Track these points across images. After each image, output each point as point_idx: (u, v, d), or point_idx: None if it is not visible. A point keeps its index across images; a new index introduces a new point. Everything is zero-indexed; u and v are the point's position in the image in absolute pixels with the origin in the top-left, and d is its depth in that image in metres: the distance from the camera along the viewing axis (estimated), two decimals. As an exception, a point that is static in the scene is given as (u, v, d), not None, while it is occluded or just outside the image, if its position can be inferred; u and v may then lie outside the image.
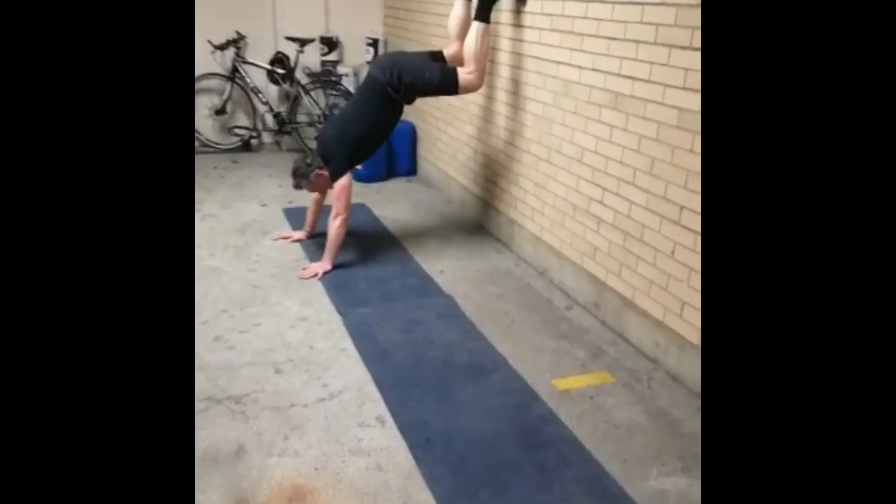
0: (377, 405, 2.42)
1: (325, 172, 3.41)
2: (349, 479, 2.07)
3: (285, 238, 3.87)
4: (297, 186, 3.56)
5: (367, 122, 3.43)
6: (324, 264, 3.47)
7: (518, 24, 3.54)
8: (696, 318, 2.52)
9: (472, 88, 3.53)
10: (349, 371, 2.63)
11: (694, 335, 2.54)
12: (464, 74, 3.43)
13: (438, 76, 3.43)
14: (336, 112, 3.63)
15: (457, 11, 3.62)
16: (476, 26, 3.39)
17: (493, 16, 3.48)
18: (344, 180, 3.42)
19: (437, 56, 3.59)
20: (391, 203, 4.62)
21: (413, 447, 2.19)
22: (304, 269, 3.48)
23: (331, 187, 3.46)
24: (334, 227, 3.43)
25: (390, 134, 3.65)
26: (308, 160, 3.47)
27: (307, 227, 3.87)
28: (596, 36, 2.92)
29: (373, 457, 2.16)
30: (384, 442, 2.23)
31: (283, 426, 2.29)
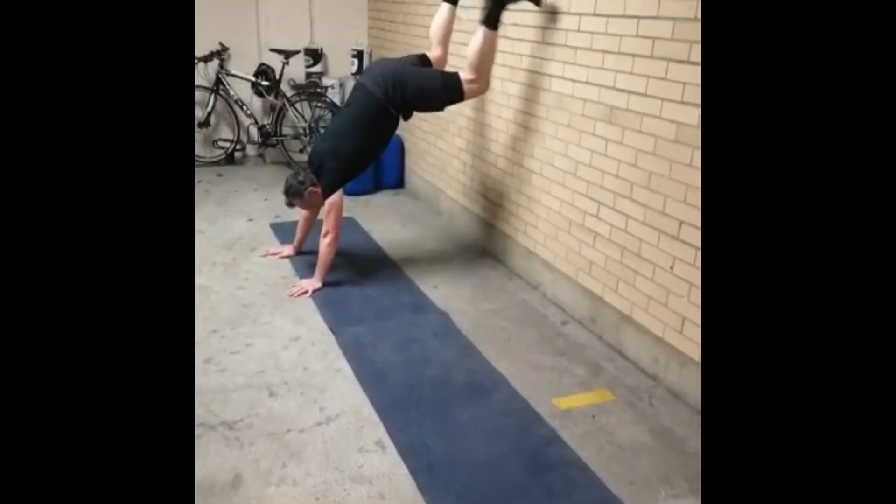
0: (376, 429, 2.36)
1: (319, 189, 3.31)
2: (351, 508, 2.01)
3: (274, 254, 3.77)
4: (290, 205, 3.44)
5: (361, 137, 3.31)
6: (314, 282, 3.40)
7: (509, 37, 3.51)
8: (696, 334, 2.49)
9: (477, 94, 3.40)
10: (345, 393, 2.57)
11: (694, 351, 2.51)
12: (466, 83, 3.25)
13: (442, 90, 3.27)
14: (328, 125, 3.48)
15: (441, 16, 3.52)
16: (482, 33, 3.16)
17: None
18: (335, 197, 3.32)
19: (425, 61, 3.50)
20: (380, 217, 4.57)
21: (415, 473, 2.13)
22: (294, 286, 3.40)
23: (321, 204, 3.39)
24: (324, 245, 3.35)
25: (385, 148, 3.53)
26: (300, 177, 3.33)
27: (296, 243, 3.77)
28: (590, 49, 2.90)
29: (374, 484, 2.10)
30: (385, 468, 2.17)
31: (280, 453, 2.22)
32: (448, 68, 3.47)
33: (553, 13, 3.11)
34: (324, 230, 3.34)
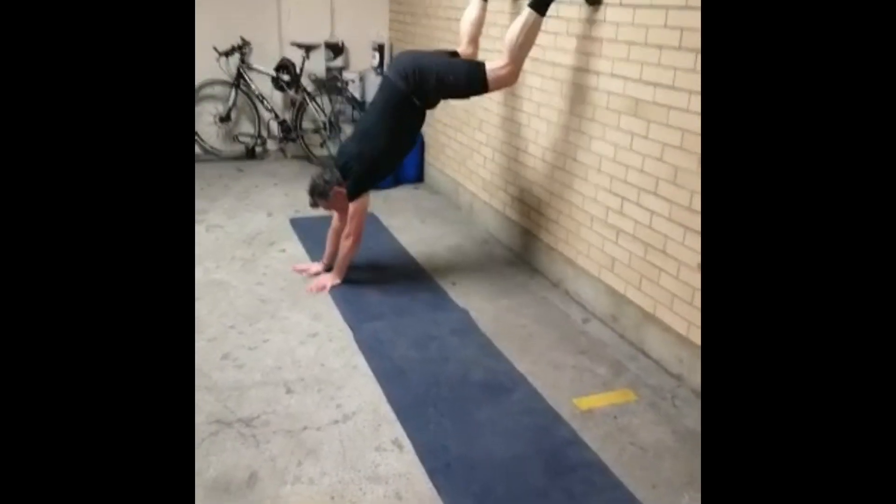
0: (393, 427, 2.32)
1: (345, 189, 3.20)
2: (367, 508, 1.97)
3: (302, 271, 3.54)
4: (315, 205, 3.31)
5: (388, 135, 3.17)
6: (333, 278, 3.36)
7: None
8: (723, 333, 2.42)
9: (504, 85, 3.20)
10: (363, 390, 2.53)
11: (721, 351, 2.44)
12: (496, 70, 3.05)
13: (465, 77, 3.10)
14: (356, 123, 3.33)
15: (471, 13, 3.41)
16: (527, 15, 2.96)
17: (495, 17, 3.34)
18: (360, 202, 3.22)
19: (454, 55, 3.34)
20: (399, 212, 4.53)
21: (433, 473, 2.09)
22: (313, 282, 3.37)
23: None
24: (345, 246, 3.30)
25: (414, 145, 3.38)
26: (326, 176, 3.21)
27: (325, 259, 3.54)
28: (615, 41, 2.83)
29: (391, 484, 2.06)
30: (402, 468, 2.13)
31: (296, 451, 2.19)
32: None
33: (595, 5, 2.94)
34: (346, 232, 3.29)
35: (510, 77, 3.10)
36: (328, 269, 3.48)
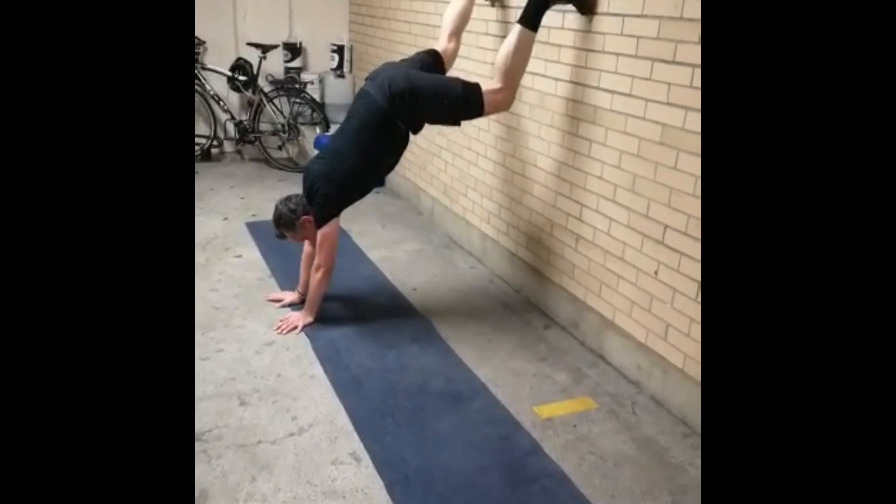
0: (351, 440, 2.27)
1: (312, 217, 2.90)
2: (322, 525, 1.92)
3: (276, 301, 3.19)
4: (281, 237, 2.99)
5: (361, 153, 2.82)
6: (305, 315, 2.99)
7: (487, 33, 3.43)
8: (680, 340, 2.43)
9: (499, 109, 2.88)
10: (319, 401, 2.48)
11: (678, 358, 2.45)
12: (490, 93, 2.75)
13: (461, 101, 2.75)
14: (328, 143, 2.96)
15: (459, 3, 3.09)
16: (517, 32, 2.70)
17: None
18: (329, 227, 2.86)
19: (436, 57, 3.02)
20: (360, 216, 4.46)
21: (391, 487, 2.05)
22: (281, 320, 2.98)
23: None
24: (315, 279, 2.93)
25: (392, 169, 3.08)
26: (291, 204, 2.90)
27: (300, 287, 3.20)
28: (573, 48, 2.83)
29: (348, 499, 2.01)
30: (360, 482, 2.08)
31: (249, 466, 2.13)
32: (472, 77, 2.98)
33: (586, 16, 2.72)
34: (315, 263, 2.93)
35: (504, 102, 2.82)
36: (303, 299, 3.13)
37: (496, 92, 2.76)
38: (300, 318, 2.98)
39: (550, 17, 2.95)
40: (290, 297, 3.20)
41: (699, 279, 2.31)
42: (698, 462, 2.23)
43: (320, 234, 2.88)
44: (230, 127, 5.48)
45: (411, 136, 2.92)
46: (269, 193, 4.86)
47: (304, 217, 2.90)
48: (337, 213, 2.89)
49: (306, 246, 3.12)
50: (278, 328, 2.94)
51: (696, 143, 2.25)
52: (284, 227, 2.93)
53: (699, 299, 2.32)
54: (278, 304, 3.16)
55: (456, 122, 2.96)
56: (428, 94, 2.76)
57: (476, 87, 2.77)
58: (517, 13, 2.79)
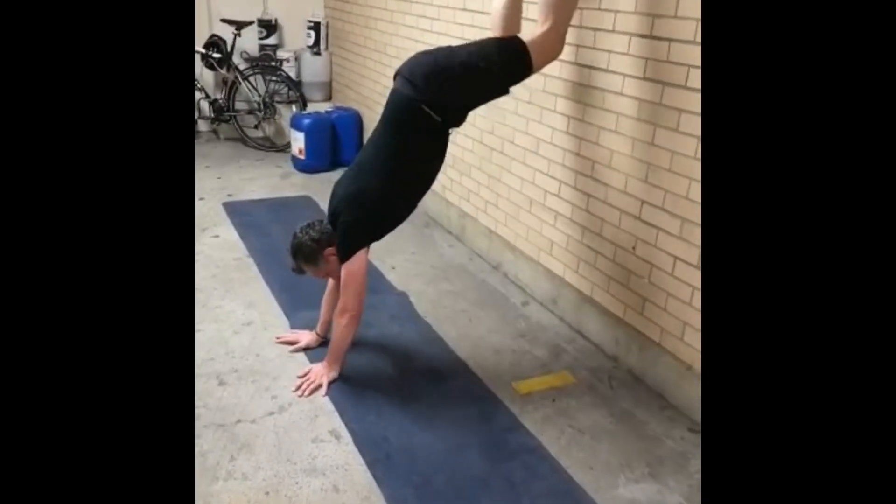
0: (331, 418, 2.28)
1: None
2: (304, 502, 1.92)
3: (289, 343, 2.69)
4: (299, 271, 2.46)
5: (391, 168, 2.31)
6: (328, 369, 2.45)
7: (465, 8, 3.40)
8: (657, 315, 2.46)
9: (550, 58, 2.35)
10: (299, 381, 2.47)
11: (655, 332, 2.48)
12: (535, 42, 2.26)
13: (499, 59, 2.27)
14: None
15: (500, 2, 2.42)
16: None
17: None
18: (356, 264, 2.33)
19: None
20: (337, 195, 4.44)
21: (372, 465, 2.06)
22: (302, 375, 2.46)
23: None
24: (340, 325, 2.39)
25: (433, 181, 2.44)
26: (314, 233, 2.38)
27: (319, 328, 2.68)
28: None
29: (329, 476, 2.02)
30: (340, 459, 2.09)
31: (228, 445, 2.13)
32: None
33: None
34: (340, 306, 2.39)
35: (553, 48, 2.32)
36: (322, 340, 2.67)
37: (544, 35, 2.26)
38: (323, 373, 2.44)
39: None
40: (307, 338, 2.67)
41: (676, 254, 2.33)
42: (675, 434, 2.27)
43: (345, 271, 2.35)
44: (205, 105, 5.39)
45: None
46: (245, 173, 4.82)
47: (330, 251, 2.38)
48: (365, 245, 2.38)
49: (329, 283, 2.64)
50: (299, 388, 2.41)
51: (673, 118, 2.26)
52: (304, 259, 2.41)
53: (675, 274, 2.35)
54: (292, 349, 2.66)
55: (504, 90, 2.42)
56: (455, 65, 2.25)
57: (513, 38, 2.31)
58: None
